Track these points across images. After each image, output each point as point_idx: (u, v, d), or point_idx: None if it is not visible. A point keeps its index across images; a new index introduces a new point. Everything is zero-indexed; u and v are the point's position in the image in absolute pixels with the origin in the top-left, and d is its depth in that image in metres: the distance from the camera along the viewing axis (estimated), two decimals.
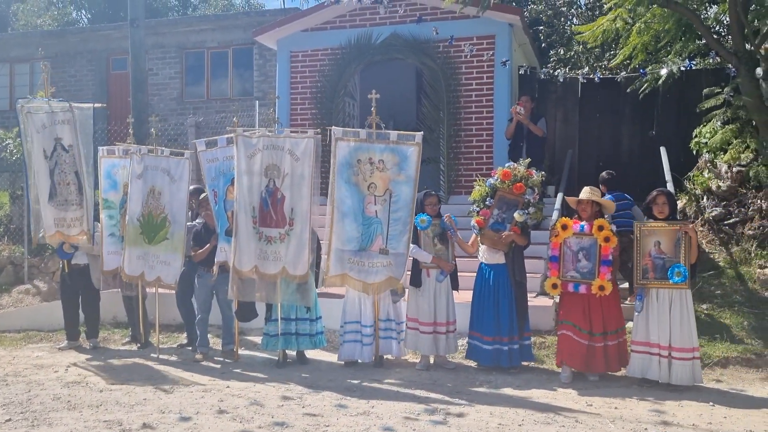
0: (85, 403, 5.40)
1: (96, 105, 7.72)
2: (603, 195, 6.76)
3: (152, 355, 7.13)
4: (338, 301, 6.67)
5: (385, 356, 6.55)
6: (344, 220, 6.28)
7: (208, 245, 6.92)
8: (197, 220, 7.24)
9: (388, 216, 6.25)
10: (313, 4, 11.29)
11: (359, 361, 6.45)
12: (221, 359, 6.88)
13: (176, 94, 15.34)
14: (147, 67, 12.53)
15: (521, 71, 10.60)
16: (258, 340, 7.06)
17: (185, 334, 7.50)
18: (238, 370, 6.45)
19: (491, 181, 6.30)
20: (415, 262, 6.38)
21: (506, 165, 6.39)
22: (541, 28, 14.38)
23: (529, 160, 6.57)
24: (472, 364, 6.42)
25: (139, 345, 7.54)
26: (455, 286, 6.46)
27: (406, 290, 6.47)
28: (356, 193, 6.30)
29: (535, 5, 14.65)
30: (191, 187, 7.26)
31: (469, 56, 10.11)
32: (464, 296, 6.60)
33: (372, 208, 6.27)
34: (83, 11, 22.94)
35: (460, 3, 8.56)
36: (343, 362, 6.48)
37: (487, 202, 6.29)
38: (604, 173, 7.73)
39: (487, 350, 6.17)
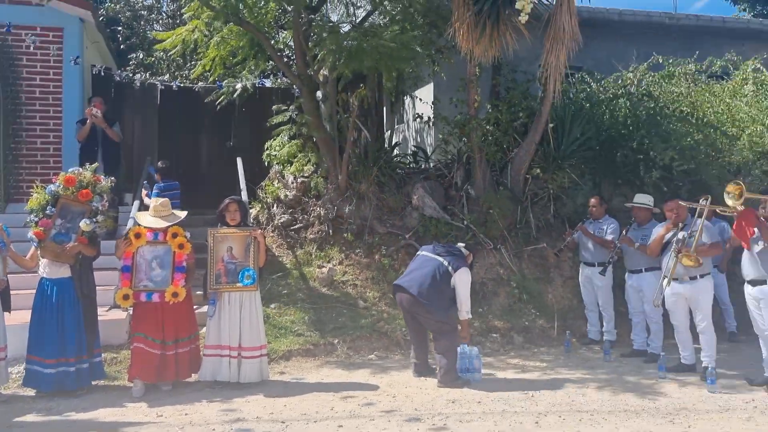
0: None
1: None
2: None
3: None
4: None
5: None
6: None
7: None
8: None
9: None
10: None
11: None
12: None
13: None
14: None
15: (95, 71, 9.96)
16: None
17: None
18: None
19: (52, 188, 5.71)
20: None
21: (69, 170, 5.87)
22: (120, 28, 13.76)
23: (96, 164, 6.17)
24: (31, 392, 5.68)
25: None
26: (6, 306, 5.67)
27: None
28: None
29: (112, 4, 13.95)
30: None
31: (32, 48, 9.05)
32: (20, 317, 5.82)
33: None
34: None
35: None
36: None
37: (47, 211, 5.67)
38: (160, 163, 8.86)
39: (49, 374, 5.54)
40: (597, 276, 7.40)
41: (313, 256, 8.61)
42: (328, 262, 8.50)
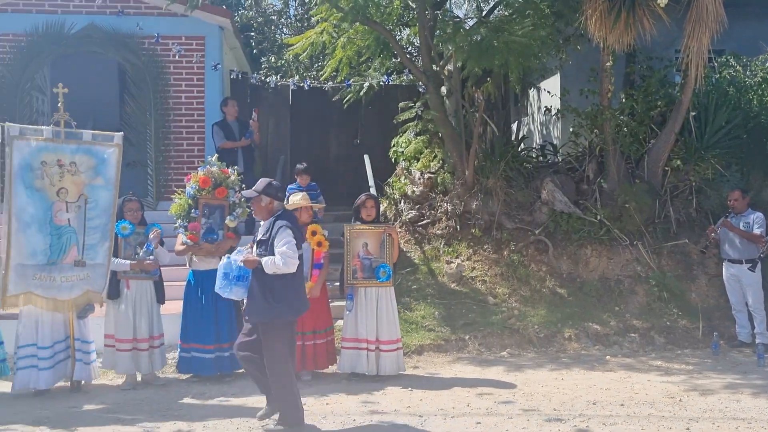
0: None
1: None
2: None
3: None
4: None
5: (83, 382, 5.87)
6: (26, 231, 5.44)
7: None
8: None
9: (84, 224, 5.63)
10: None
11: (34, 388, 5.61)
12: None
13: None
14: None
15: (232, 75, 10.51)
16: None
17: None
18: None
19: (191, 191, 6.06)
20: (113, 272, 5.84)
21: (199, 170, 6.19)
22: (253, 34, 14.46)
23: (216, 156, 6.56)
24: (184, 377, 6.12)
25: None
26: (161, 299, 6.10)
27: (98, 305, 5.87)
28: (42, 199, 5.52)
29: (245, 11, 14.68)
30: None
31: (177, 56, 9.69)
32: (171, 307, 6.28)
33: (63, 216, 5.57)
34: None
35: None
36: (32, 391, 5.64)
37: (192, 214, 6.04)
38: (302, 165, 7.75)
39: (208, 359, 5.94)
40: (745, 273, 6.91)
41: (441, 251, 8.63)
42: (456, 257, 8.48)
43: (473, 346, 7.03)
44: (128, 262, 5.85)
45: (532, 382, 5.89)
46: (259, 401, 5.42)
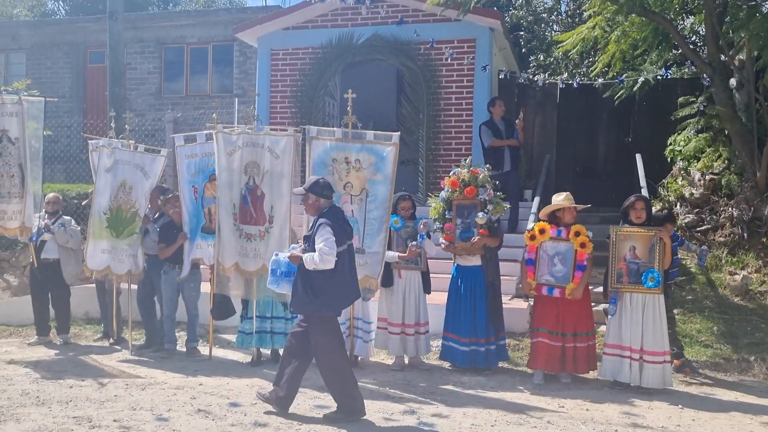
0: (54, 399, 5.31)
1: (48, 98, 7.83)
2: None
3: (124, 351, 7.05)
4: None
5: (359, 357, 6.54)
6: None
7: (176, 242, 6.82)
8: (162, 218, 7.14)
9: (365, 215, 6.25)
10: (295, 2, 11.26)
11: None
12: (194, 357, 6.81)
13: (154, 89, 15.18)
14: (125, 61, 12.42)
15: (501, 76, 10.69)
16: (232, 338, 7.01)
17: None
18: (210, 368, 6.40)
19: (443, 194, 6.33)
20: (387, 262, 6.36)
21: (451, 173, 6.39)
22: (522, 33, 14.51)
23: (469, 158, 6.68)
24: (446, 365, 6.44)
25: (111, 341, 7.45)
26: (427, 289, 6.47)
27: (377, 289, 6.45)
28: None
29: (516, 11, 14.77)
30: (153, 186, 7.20)
31: (449, 59, 10.16)
32: (437, 298, 6.62)
33: (348, 207, 6.24)
34: (60, 2, 22.67)
35: (441, 5, 8.60)
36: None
37: (447, 216, 6.30)
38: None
39: (464, 351, 6.19)
40: None
41: (724, 261, 7.81)
42: (742, 268, 7.61)
43: (759, 369, 6.25)
44: (397, 254, 6.31)
45: None
46: (517, 396, 5.52)
